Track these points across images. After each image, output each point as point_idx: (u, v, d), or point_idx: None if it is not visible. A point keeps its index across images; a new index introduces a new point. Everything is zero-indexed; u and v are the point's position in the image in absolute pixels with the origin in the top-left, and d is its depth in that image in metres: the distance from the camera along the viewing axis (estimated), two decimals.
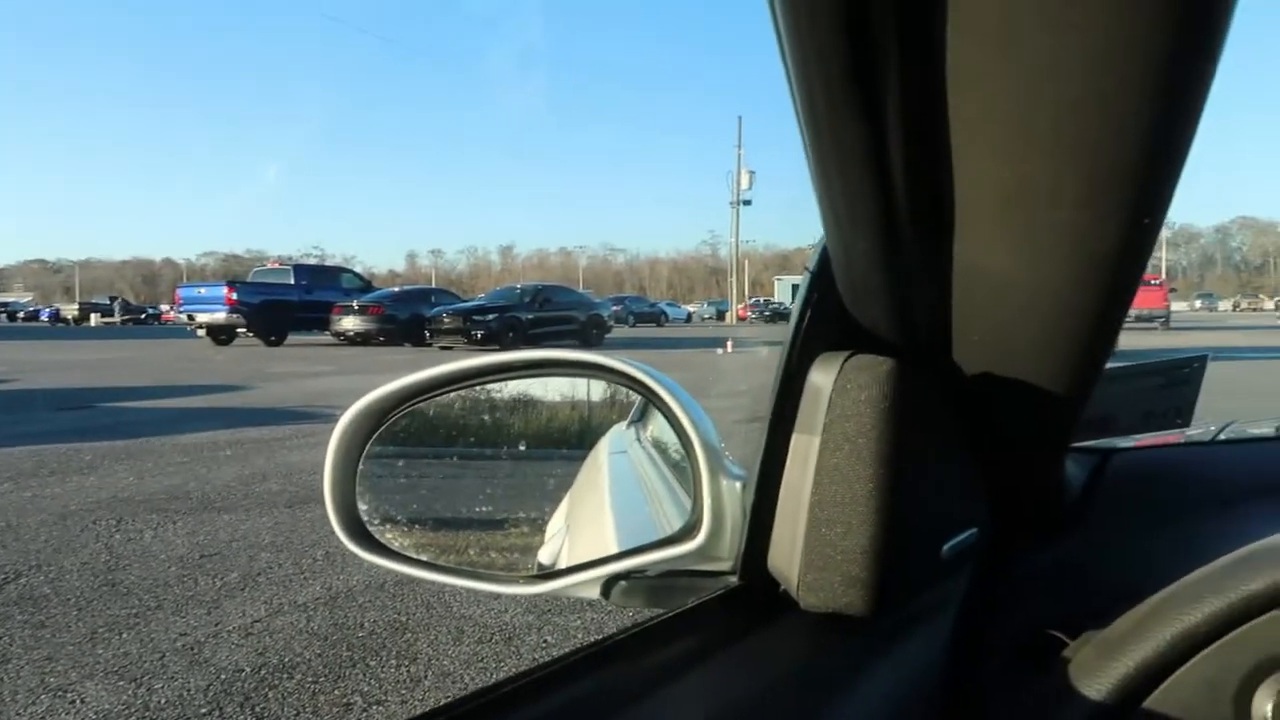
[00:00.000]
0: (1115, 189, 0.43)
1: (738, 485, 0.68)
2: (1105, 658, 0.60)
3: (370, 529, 0.76)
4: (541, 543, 0.79)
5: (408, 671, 2.94)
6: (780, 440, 0.62)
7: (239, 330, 23.04)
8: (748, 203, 57.55)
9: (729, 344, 21.36)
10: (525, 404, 0.81)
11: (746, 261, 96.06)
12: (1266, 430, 1.02)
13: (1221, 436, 1.04)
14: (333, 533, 0.74)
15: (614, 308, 27.34)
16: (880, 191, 0.47)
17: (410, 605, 3.54)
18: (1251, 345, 20.26)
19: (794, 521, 0.61)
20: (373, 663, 3.01)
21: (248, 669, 2.93)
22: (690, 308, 73.19)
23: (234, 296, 22.46)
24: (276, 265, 26.53)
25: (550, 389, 0.81)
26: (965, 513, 0.69)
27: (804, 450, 0.60)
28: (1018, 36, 0.37)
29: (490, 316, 20.41)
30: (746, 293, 77.98)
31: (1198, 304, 72.69)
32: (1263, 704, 0.57)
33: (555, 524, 0.80)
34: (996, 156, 0.44)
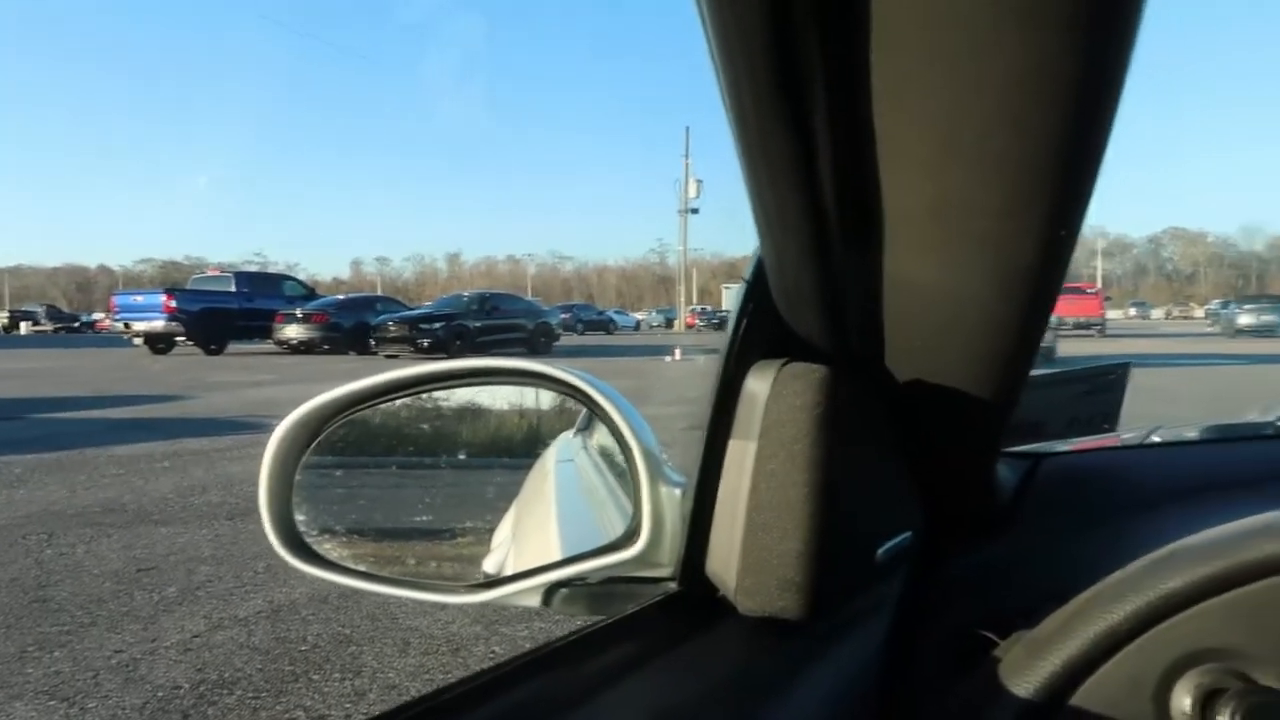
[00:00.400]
0: (1033, 202, 0.45)
1: (677, 492, 0.68)
2: (1033, 656, 0.62)
3: (308, 540, 0.75)
4: (487, 552, 0.79)
5: (352, 685, 2.89)
6: (718, 447, 0.63)
7: (178, 339, 22.54)
8: (695, 211, 57.96)
9: (677, 352, 21.42)
10: (473, 412, 0.81)
11: (695, 270, 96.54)
12: (1191, 435, 1.06)
13: (1150, 441, 1.08)
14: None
15: (562, 316, 27.31)
16: (810, 204, 0.48)
17: (355, 618, 3.49)
18: (1185, 352, 20.85)
19: (731, 527, 0.61)
20: (316, 676, 2.96)
21: (185, 686, 2.87)
22: (639, 316, 73.27)
23: (173, 304, 21.99)
24: (217, 272, 25.99)
25: (498, 397, 0.80)
26: (899, 517, 0.70)
27: (741, 457, 0.61)
28: (939, 56, 0.38)
29: (437, 325, 20.24)
30: (695, 300, 78.36)
31: (1132, 312, 74.72)
32: (1181, 698, 0.59)
33: (502, 533, 0.80)
34: (920, 170, 0.45)
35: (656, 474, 0.69)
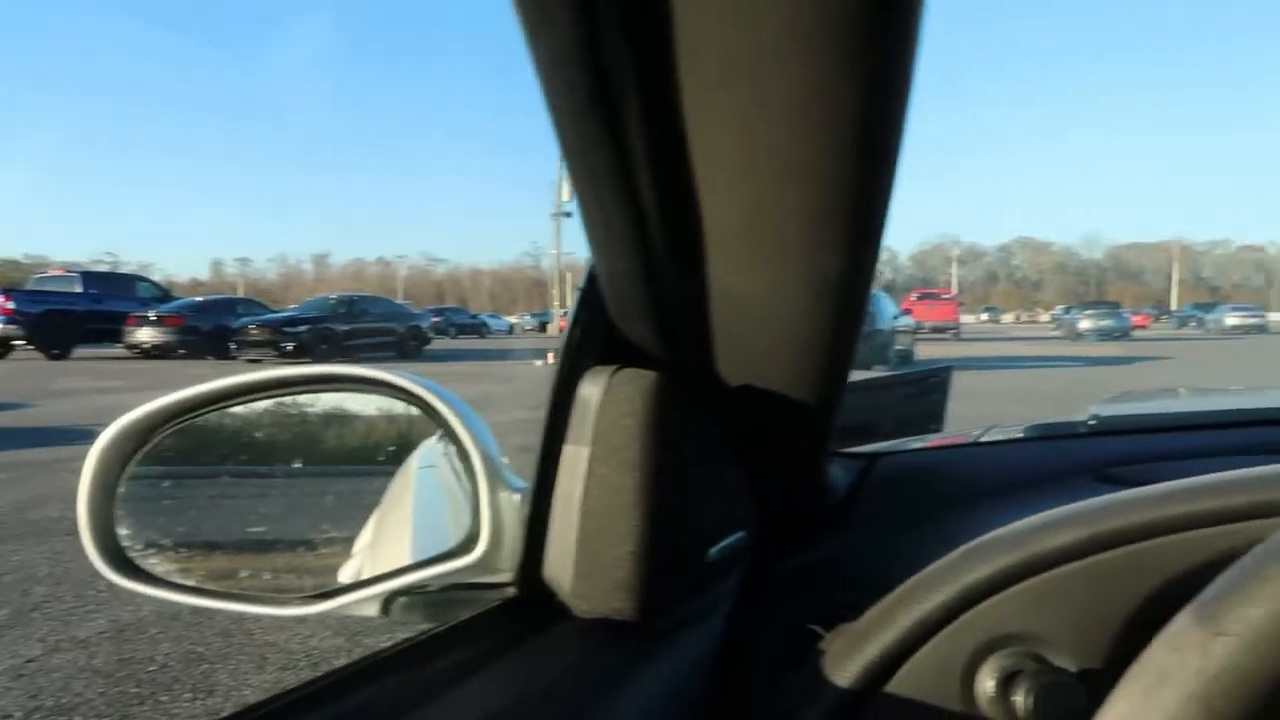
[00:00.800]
0: (836, 214, 0.47)
1: (518, 497, 0.69)
2: (853, 647, 0.65)
3: (131, 555, 0.72)
4: (345, 561, 0.77)
5: (204, 704, 2.77)
6: (554, 452, 0.64)
7: (16, 343, 21.03)
8: (569, 214, 57.77)
9: (550, 355, 21.31)
10: (336, 419, 0.79)
11: (569, 273, 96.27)
12: (1017, 433, 1.13)
13: (979, 440, 1.14)
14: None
15: (434, 319, 26.80)
16: (632, 217, 0.50)
17: (208, 635, 3.34)
18: (1033, 355, 22.09)
19: (567, 531, 0.62)
20: (164, 698, 2.82)
21: (18, 714, 2.68)
22: (512, 319, 72.64)
23: (10, 305, 20.48)
24: (61, 272, 24.34)
25: (368, 404, 0.79)
26: (732, 518, 0.72)
27: (575, 462, 0.62)
28: (737, 68, 0.40)
29: (302, 328, 19.55)
30: (569, 304, 78.00)
31: (984, 317, 78.67)
32: (985, 680, 0.63)
33: (361, 541, 0.79)
34: (731, 182, 0.47)
35: (496, 479, 0.69)
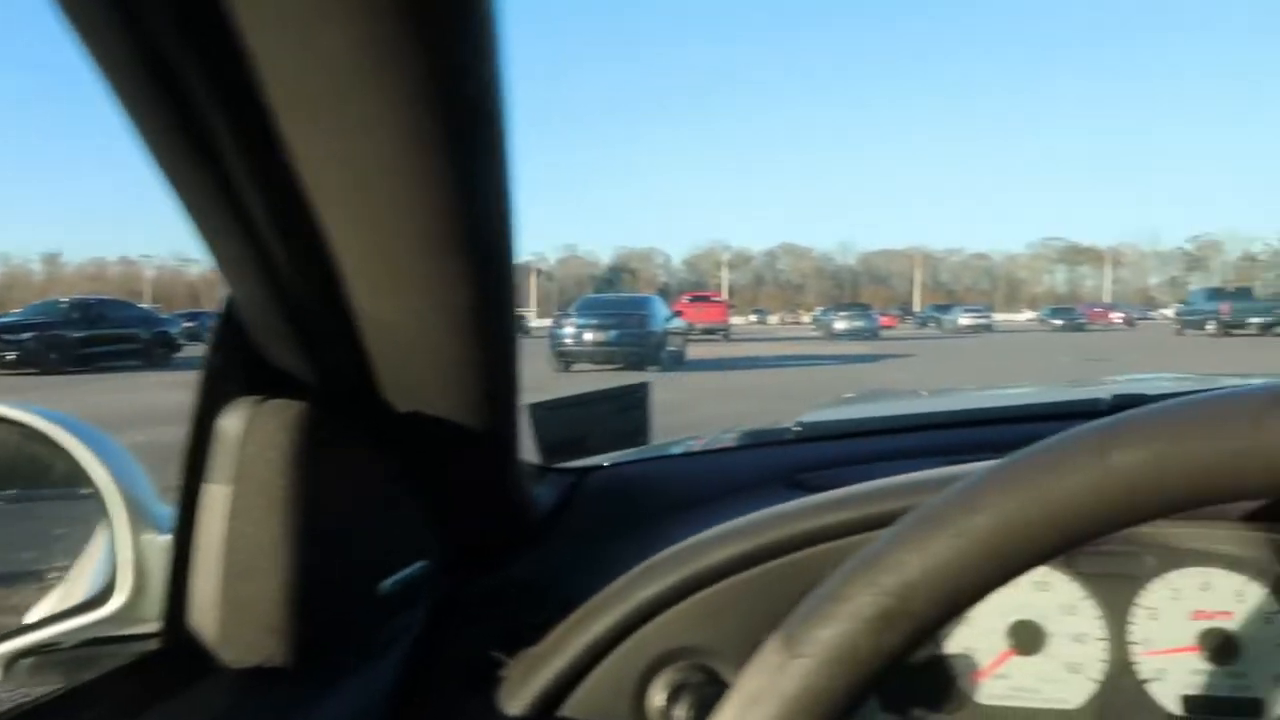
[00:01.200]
0: (456, 246, 0.46)
1: (165, 538, 0.63)
2: (531, 672, 0.64)
3: None
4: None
5: None
6: (195, 489, 0.58)
7: None
8: None
9: None
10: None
11: None
12: (727, 441, 1.16)
13: (693, 450, 1.17)
14: None
15: (185, 324, 24.79)
16: (254, 247, 0.47)
17: None
18: (797, 354, 23.36)
19: (211, 574, 0.57)
20: None
21: None
22: None
23: None
24: None
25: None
26: (409, 547, 0.70)
27: (217, 499, 0.57)
28: (326, 107, 0.38)
29: (26, 335, 17.49)
30: None
31: (753, 318, 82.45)
32: (655, 695, 0.64)
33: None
34: (347, 217, 0.45)
35: (140, 520, 0.63)
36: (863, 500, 0.67)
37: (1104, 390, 1.14)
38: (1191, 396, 0.38)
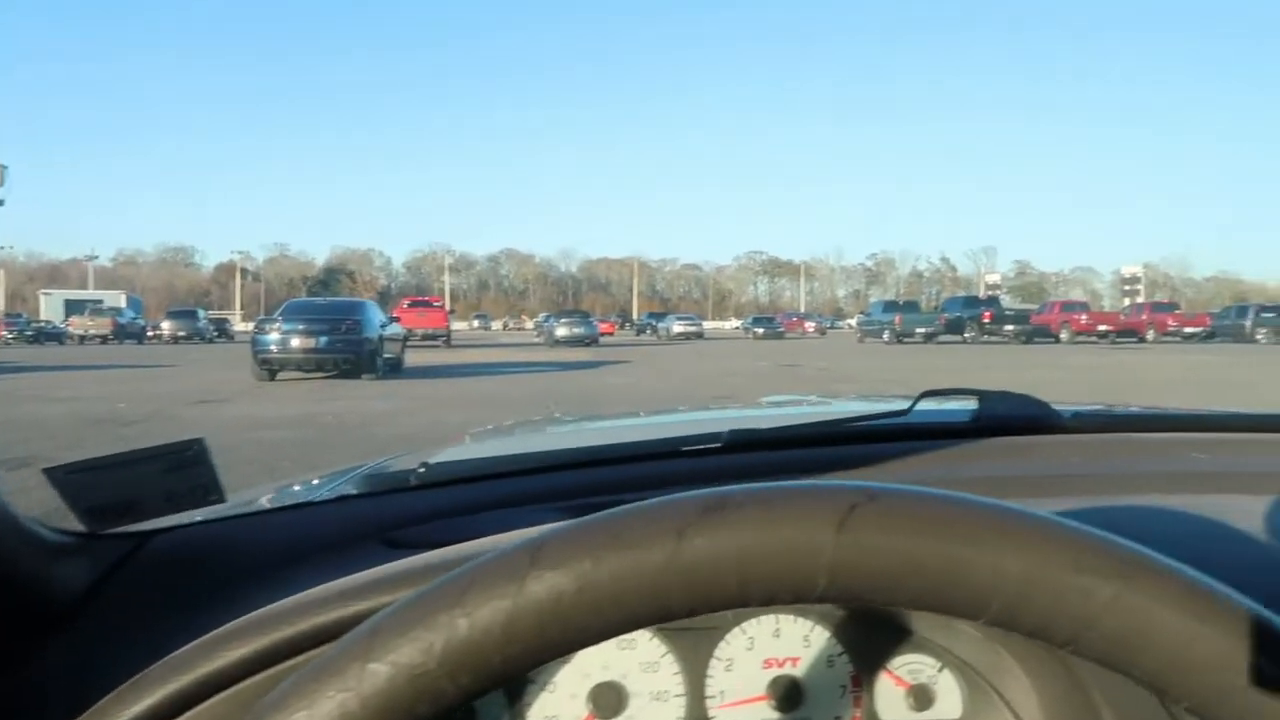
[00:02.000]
0: None
1: None
2: None
3: None
4: None
5: None
6: None
7: None
8: (1, 203, 48.64)
9: None
10: None
11: (3, 271, 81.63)
12: (321, 494, 0.98)
13: (283, 504, 0.98)
14: None
15: None
16: None
17: None
18: (519, 360, 23.27)
19: None
20: None
21: None
22: None
23: None
24: None
25: None
26: None
27: None
28: None
29: None
30: (3, 308, 66.15)
31: (475, 324, 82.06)
32: None
33: None
34: None
35: None
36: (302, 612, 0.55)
37: (725, 425, 1.08)
38: (631, 505, 0.35)
